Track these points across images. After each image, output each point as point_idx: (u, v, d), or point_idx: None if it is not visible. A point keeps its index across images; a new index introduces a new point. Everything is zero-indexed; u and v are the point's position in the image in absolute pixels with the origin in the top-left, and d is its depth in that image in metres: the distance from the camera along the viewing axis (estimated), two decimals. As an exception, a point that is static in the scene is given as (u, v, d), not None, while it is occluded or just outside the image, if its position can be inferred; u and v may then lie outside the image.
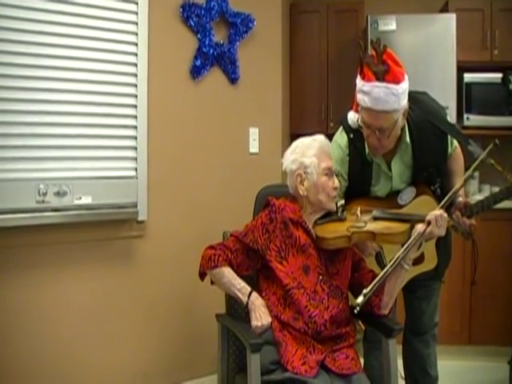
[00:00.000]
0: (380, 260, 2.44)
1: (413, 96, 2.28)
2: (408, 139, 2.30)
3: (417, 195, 2.34)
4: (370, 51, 2.13)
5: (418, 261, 2.39)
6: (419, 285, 2.50)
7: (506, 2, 4.10)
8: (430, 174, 2.36)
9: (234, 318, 2.33)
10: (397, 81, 2.10)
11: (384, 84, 2.08)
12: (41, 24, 2.62)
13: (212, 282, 2.29)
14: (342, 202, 2.46)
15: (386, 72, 2.08)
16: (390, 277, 2.11)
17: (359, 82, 2.17)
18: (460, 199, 2.32)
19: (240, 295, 2.18)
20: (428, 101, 2.39)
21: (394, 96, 2.09)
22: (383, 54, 2.08)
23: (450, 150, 2.42)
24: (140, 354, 3.01)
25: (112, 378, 2.89)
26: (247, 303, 2.15)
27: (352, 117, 2.34)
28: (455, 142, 2.43)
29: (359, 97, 2.18)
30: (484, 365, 3.63)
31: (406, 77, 2.16)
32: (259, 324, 2.10)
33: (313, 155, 2.21)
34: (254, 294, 2.17)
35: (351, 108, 2.36)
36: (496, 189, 4.09)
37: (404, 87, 2.13)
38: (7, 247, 2.56)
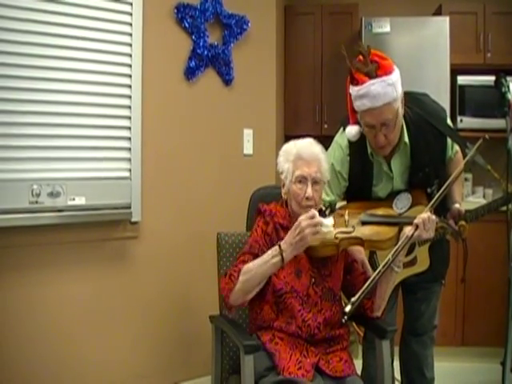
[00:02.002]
0: (373, 263, 2.43)
1: (413, 96, 2.31)
2: (407, 139, 2.30)
3: (412, 205, 2.31)
4: (356, 58, 2.17)
5: (411, 263, 2.39)
6: (419, 287, 2.51)
7: (500, 6, 4.12)
8: (426, 175, 2.35)
9: (227, 320, 2.31)
10: (388, 72, 2.13)
11: (378, 79, 2.10)
12: (34, 24, 2.61)
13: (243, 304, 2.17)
14: (344, 203, 2.47)
15: (377, 68, 2.11)
16: (381, 280, 2.09)
17: (353, 89, 2.17)
18: (456, 205, 2.32)
19: (276, 260, 2.02)
20: (429, 102, 2.41)
21: (390, 86, 2.11)
22: (369, 54, 2.13)
23: (450, 153, 2.42)
24: (133, 354, 3.00)
25: (105, 378, 2.88)
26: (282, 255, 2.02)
27: (350, 130, 2.31)
28: (456, 147, 2.42)
29: (357, 103, 2.18)
30: (477, 366, 3.65)
31: (395, 66, 2.18)
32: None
33: (290, 161, 2.19)
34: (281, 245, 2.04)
35: (347, 123, 2.33)
36: (489, 191, 4.12)
37: (397, 75, 2.16)
38: None
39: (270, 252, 2.06)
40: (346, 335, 2.21)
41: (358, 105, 2.18)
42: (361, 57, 2.15)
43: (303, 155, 2.18)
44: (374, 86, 2.10)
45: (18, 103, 2.58)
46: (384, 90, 2.10)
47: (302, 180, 2.15)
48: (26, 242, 2.62)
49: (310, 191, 2.13)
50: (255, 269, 2.06)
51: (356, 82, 2.15)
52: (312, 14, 4.33)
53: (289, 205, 2.22)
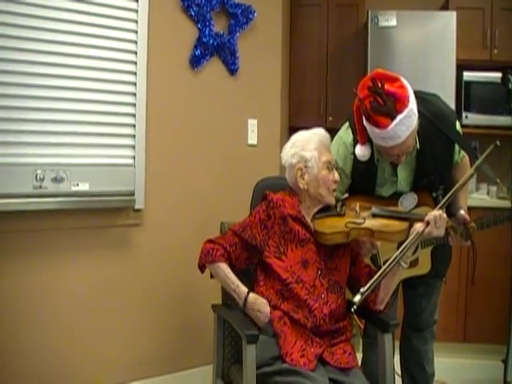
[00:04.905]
0: (375, 260, 2.43)
1: (422, 97, 2.21)
2: (418, 146, 2.24)
3: (418, 204, 2.27)
4: (360, 90, 2.06)
5: (413, 264, 2.37)
6: (420, 282, 2.50)
7: (507, 1, 4.10)
8: (431, 182, 2.32)
9: (230, 309, 2.31)
10: (406, 101, 2.02)
11: (399, 117, 2.00)
12: (38, 8, 2.58)
13: (212, 276, 2.28)
14: (346, 195, 2.45)
15: (395, 102, 2.00)
16: (387, 274, 2.08)
17: (374, 130, 2.07)
18: (462, 212, 2.28)
19: (236, 296, 2.18)
20: (438, 104, 2.32)
21: (410, 117, 2.03)
22: (383, 89, 2.00)
23: (456, 157, 2.36)
24: (135, 343, 2.99)
25: (107, 366, 2.88)
26: (244, 305, 2.15)
27: (360, 152, 2.25)
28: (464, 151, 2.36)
29: (380, 142, 2.11)
30: (478, 363, 3.65)
31: (405, 82, 2.07)
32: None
33: (313, 149, 2.20)
34: (251, 298, 2.14)
35: (357, 141, 2.26)
36: (493, 188, 4.10)
37: (412, 99, 2.05)
38: (2, 232, 2.53)
39: (237, 283, 2.18)
40: (350, 326, 2.22)
41: (381, 143, 2.11)
42: (374, 95, 2.01)
43: (325, 142, 2.25)
44: (397, 126, 2.01)
45: (23, 88, 2.56)
46: (406, 125, 2.02)
47: (328, 166, 2.20)
48: (29, 227, 2.60)
49: (337, 175, 2.22)
50: (220, 279, 2.23)
51: (376, 124, 2.04)
52: (318, 5, 4.30)
53: (312, 193, 2.21)
